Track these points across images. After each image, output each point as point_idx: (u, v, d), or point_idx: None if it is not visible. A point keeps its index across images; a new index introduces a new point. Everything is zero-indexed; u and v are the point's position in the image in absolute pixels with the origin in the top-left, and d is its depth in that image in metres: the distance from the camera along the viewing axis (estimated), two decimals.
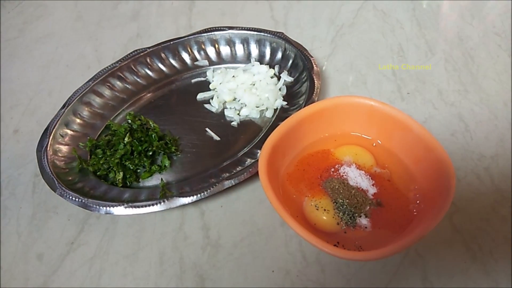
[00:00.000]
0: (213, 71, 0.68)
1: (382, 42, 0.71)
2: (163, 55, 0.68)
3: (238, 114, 0.62)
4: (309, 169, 0.50)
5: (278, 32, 0.67)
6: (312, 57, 0.63)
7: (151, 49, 0.68)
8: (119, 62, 0.66)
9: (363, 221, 0.45)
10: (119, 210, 0.49)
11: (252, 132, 0.60)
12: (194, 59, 0.69)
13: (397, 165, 0.49)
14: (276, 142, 0.47)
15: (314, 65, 0.62)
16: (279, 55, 0.67)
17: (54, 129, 0.58)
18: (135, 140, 0.57)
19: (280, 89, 0.64)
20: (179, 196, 0.50)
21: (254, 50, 0.68)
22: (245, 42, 0.68)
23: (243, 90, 0.63)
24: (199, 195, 0.50)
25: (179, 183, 0.55)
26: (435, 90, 0.63)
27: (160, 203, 0.49)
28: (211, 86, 0.66)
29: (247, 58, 0.69)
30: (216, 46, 0.69)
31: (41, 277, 0.49)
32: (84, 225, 0.53)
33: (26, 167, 0.60)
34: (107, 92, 0.64)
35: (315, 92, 0.58)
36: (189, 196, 0.50)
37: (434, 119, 0.59)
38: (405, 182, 0.48)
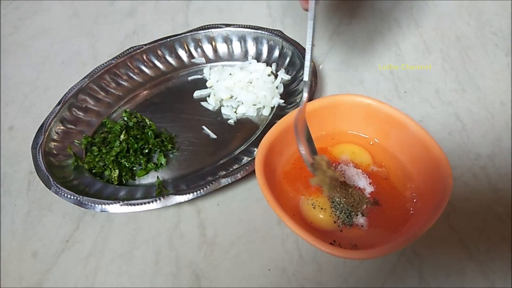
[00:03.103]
0: (210, 68, 0.67)
1: (379, 40, 0.71)
2: (159, 52, 0.68)
3: (235, 112, 0.62)
4: (306, 167, 0.50)
5: (275, 30, 0.67)
6: None
7: (147, 46, 0.67)
8: (115, 59, 0.66)
9: (360, 219, 0.45)
10: (114, 208, 0.49)
11: (248, 130, 0.60)
12: (190, 56, 0.69)
13: (394, 164, 0.49)
14: (273, 140, 0.47)
15: (312, 63, 0.62)
16: (276, 53, 0.67)
17: (50, 126, 0.57)
18: (131, 138, 0.57)
19: (277, 87, 0.63)
20: (175, 194, 0.49)
21: (251, 48, 0.68)
22: (242, 39, 0.68)
23: (240, 88, 0.63)
24: (195, 193, 0.49)
25: (175, 181, 0.55)
26: (432, 89, 0.63)
27: (156, 201, 0.49)
28: (208, 84, 0.66)
29: (244, 55, 0.68)
30: (213, 43, 0.69)
31: (36, 275, 0.49)
32: (79, 223, 0.53)
33: (21, 164, 0.59)
34: (103, 89, 0.64)
35: (312, 90, 0.58)
36: (185, 194, 0.49)
37: (431, 118, 0.59)
38: (402, 180, 0.48)
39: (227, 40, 0.69)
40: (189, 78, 0.68)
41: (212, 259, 0.48)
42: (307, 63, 0.45)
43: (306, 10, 0.47)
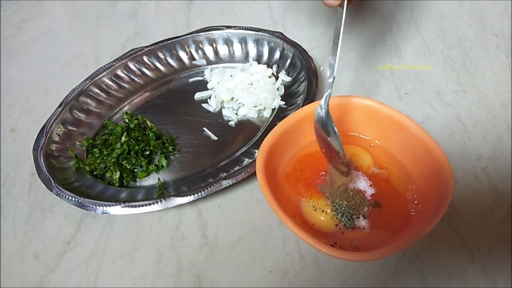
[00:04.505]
0: (211, 70, 0.67)
1: (380, 42, 0.71)
2: (160, 54, 0.68)
3: (236, 113, 0.62)
4: (307, 169, 0.50)
5: (276, 32, 0.67)
6: (310, 56, 0.63)
7: (148, 48, 0.67)
8: (117, 61, 0.66)
9: (361, 222, 0.45)
10: (115, 210, 0.49)
11: (249, 132, 0.60)
12: (192, 58, 0.69)
13: (395, 166, 0.49)
14: (274, 142, 0.47)
15: (312, 65, 0.62)
16: (277, 54, 0.67)
17: (51, 128, 0.58)
18: (132, 140, 0.57)
19: (278, 89, 0.63)
20: (176, 196, 0.49)
21: (252, 50, 0.68)
22: (243, 41, 0.68)
23: (241, 89, 0.63)
24: (196, 195, 0.49)
25: (176, 182, 0.55)
26: (433, 91, 0.63)
27: (157, 202, 0.49)
28: (208, 86, 0.66)
29: (245, 57, 0.68)
30: (214, 45, 0.69)
31: (38, 276, 0.49)
32: (80, 224, 0.53)
33: (22, 166, 0.60)
34: (104, 91, 0.64)
35: (313, 91, 0.58)
36: (187, 195, 0.49)
37: (432, 119, 0.59)
38: (403, 182, 0.48)
39: (228, 42, 0.69)
40: (190, 80, 0.68)
41: (213, 261, 0.48)
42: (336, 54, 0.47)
43: (330, 6, 0.47)
